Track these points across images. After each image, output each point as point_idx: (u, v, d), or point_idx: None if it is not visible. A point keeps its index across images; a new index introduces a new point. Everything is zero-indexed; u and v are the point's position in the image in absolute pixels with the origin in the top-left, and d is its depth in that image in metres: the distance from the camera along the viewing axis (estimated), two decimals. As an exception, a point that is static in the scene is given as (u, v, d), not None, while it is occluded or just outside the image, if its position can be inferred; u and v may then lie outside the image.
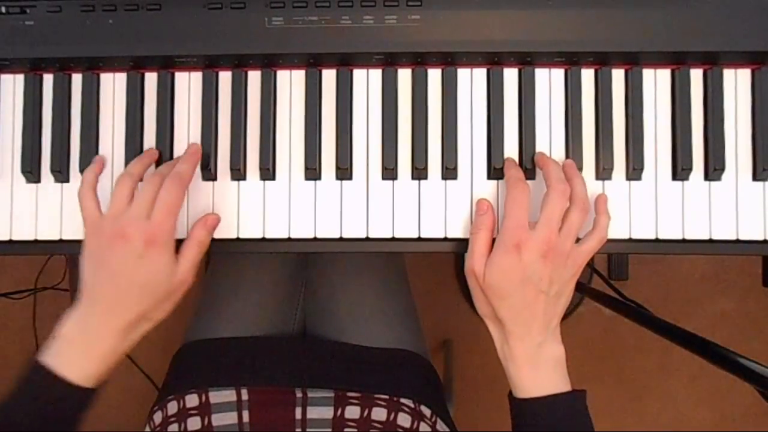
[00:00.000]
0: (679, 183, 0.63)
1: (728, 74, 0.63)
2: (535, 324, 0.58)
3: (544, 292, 0.57)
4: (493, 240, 0.59)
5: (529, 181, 0.61)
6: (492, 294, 0.58)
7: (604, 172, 0.63)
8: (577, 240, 0.59)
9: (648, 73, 0.63)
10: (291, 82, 0.64)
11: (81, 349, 0.56)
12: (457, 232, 0.63)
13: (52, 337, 0.57)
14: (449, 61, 0.63)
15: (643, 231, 0.63)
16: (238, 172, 0.63)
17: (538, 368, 0.59)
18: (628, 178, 0.63)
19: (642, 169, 0.63)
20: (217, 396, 0.72)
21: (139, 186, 0.60)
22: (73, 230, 0.64)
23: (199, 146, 0.63)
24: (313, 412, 0.70)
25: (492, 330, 0.61)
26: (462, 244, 0.63)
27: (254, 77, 0.64)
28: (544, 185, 0.60)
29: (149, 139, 0.64)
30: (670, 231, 0.62)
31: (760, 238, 0.62)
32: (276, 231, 0.63)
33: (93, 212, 0.59)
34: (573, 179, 0.60)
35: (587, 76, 0.63)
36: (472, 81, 0.64)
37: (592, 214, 0.60)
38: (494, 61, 0.63)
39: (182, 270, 0.58)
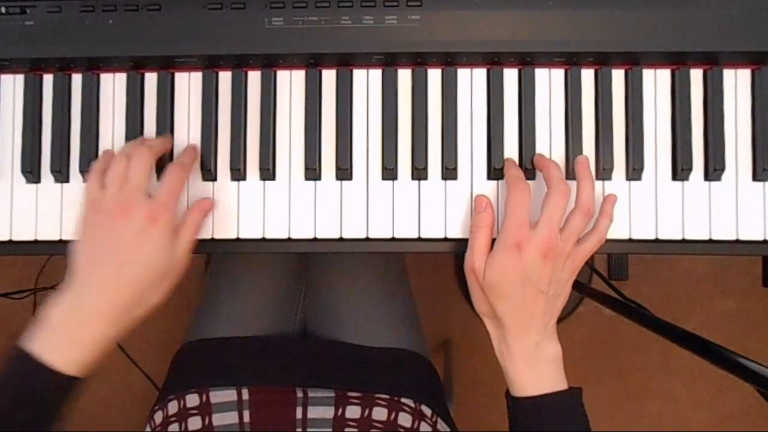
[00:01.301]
0: (679, 183, 0.63)
1: (728, 74, 0.63)
2: (533, 323, 0.58)
3: (543, 292, 0.57)
4: (493, 239, 0.60)
5: (529, 182, 0.61)
6: (491, 293, 0.58)
7: (604, 172, 0.63)
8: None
9: (648, 73, 0.63)
10: (291, 82, 0.64)
11: (68, 334, 0.55)
12: (457, 232, 0.63)
13: (37, 322, 0.55)
14: (449, 61, 0.63)
15: (643, 231, 0.63)
16: (238, 172, 0.63)
17: (535, 367, 0.59)
18: (628, 178, 0.63)
19: (642, 169, 0.63)
20: (217, 396, 0.72)
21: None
22: (73, 230, 0.64)
23: (195, 147, 0.63)
24: (313, 412, 0.70)
25: (490, 328, 0.62)
26: (462, 245, 0.63)
27: (254, 77, 0.64)
28: (544, 185, 0.60)
29: (149, 139, 0.64)
30: (670, 231, 0.62)
31: (760, 238, 0.62)
32: (276, 231, 0.63)
33: (95, 190, 0.57)
34: (582, 180, 0.59)
35: (587, 76, 0.63)
36: (472, 81, 0.64)
37: (595, 215, 0.60)
38: (494, 61, 0.63)
39: (179, 250, 0.58)
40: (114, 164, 0.57)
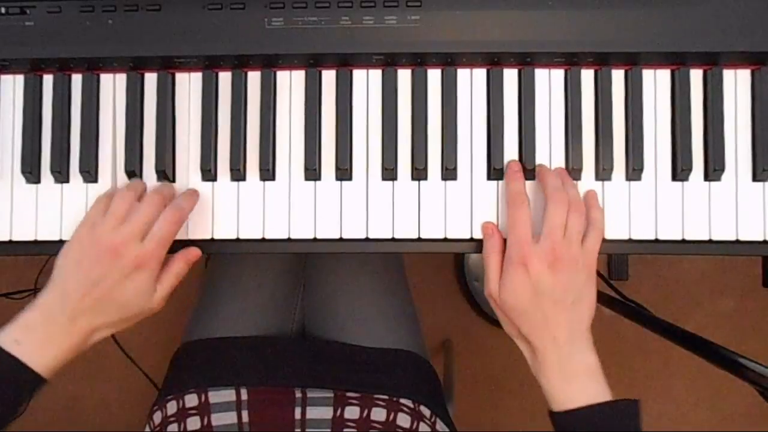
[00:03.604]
0: (678, 183, 0.63)
1: (728, 74, 0.63)
2: (559, 334, 0.57)
3: (560, 301, 0.57)
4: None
5: (529, 183, 0.61)
6: (510, 313, 0.58)
7: (604, 172, 0.63)
8: None
9: (648, 73, 0.63)
10: (291, 82, 0.64)
11: (43, 339, 0.57)
12: (456, 232, 0.63)
13: (14, 320, 0.57)
14: (449, 62, 0.63)
15: (643, 231, 0.63)
16: (238, 173, 0.63)
17: (570, 380, 0.57)
18: (628, 178, 0.63)
19: (642, 169, 0.62)
20: (216, 396, 0.72)
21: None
22: (72, 230, 0.64)
23: (198, 192, 0.63)
24: (312, 412, 0.71)
25: (522, 348, 0.61)
26: (462, 245, 0.63)
27: (254, 77, 0.64)
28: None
29: (149, 140, 0.64)
30: (669, 231, 0.62)
31: (760, 238, 0.62)
32: (276, 231, 0.63)
33: (98, 215, 0.59)
34: (564, 185, 0.60)
35: (587, 76, 0.63)
36: (472, 81, 0.64)
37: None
38: (494, 61, 0.63)
39: (158, 297, 0.60)
40: (120, 198, 0.59)
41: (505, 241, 0.60)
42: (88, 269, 0.57)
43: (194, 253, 0.62)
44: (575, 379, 0.57)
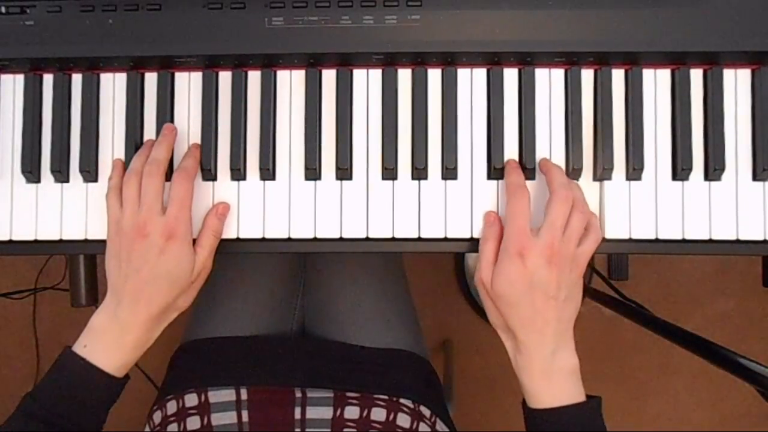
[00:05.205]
0: (679, 183, 0.63)
1: (728, 74, 0.63)
2: (547, 331, 0.57)
3: (553, 297, 0.57)
4: None
5: (529, 182, 0.61)
6: (501, 303, 0.58)
7: (604, 172, 0.63)
8: None
9: (648, 73, 0.63)
10: (291, 82, 0.64)
11: (111, 340, 0.59)
12: (456, 232, 0.63)
13: (85, 328, 0.60)
14: (449, 61, 0.63)
15: (643, 231, 0.63)
16: (238, 172, 0.63)
17: (552, 379, 0.58)
18: (628, 178, 0.63)
19: (642, 169, 0.62)
20: (216, 395, 0.72)
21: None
22: (72, 230, 0.64)
23: (198, 145, 0.63)
24: (312, 412, 0.71)
25: (505, 341, 0.61)
26: (462, 244, 0.63)
27: (254, 77, 0.64)
28: (544, 186, 0.60)
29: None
30: (670, 231, 0.62)
31: (760, 238, 0.62)
32: (276, 231, 0.63)
33: (116, 208, 0.60)
34: (570, 184, 0.60)
35: (587, 76, 0.63)
36: (472, 81, 0.64)
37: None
38: (494, 61, 0.63)
39: (201, 259, 0.61)
40: (127, 186, 0.60)
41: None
42: (127, 260, 0.58)
43: (222, 206, 0.63)
44: (557, 377, 0.58)
